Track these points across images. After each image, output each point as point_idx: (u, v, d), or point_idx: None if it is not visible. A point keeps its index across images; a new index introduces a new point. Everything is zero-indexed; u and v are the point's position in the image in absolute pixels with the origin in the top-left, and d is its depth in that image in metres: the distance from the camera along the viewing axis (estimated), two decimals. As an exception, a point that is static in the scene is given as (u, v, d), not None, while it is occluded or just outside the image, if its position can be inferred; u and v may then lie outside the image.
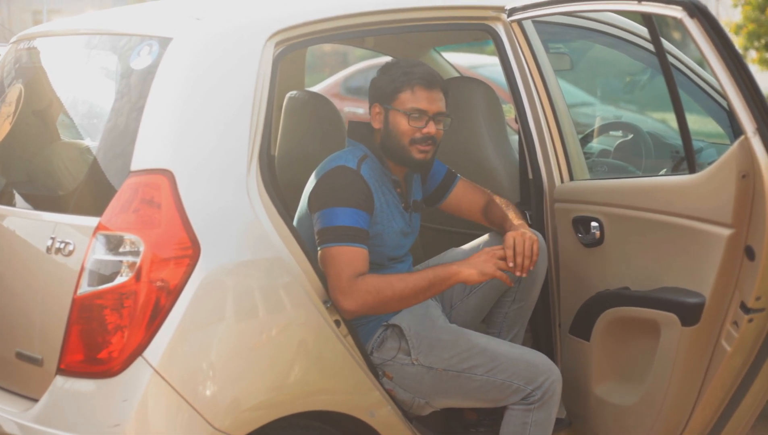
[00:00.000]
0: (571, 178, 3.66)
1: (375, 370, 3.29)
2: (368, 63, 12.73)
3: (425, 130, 3.36)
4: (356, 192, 3.27)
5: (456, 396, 3.39)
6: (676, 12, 3.06)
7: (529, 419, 3.35)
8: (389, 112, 3.39)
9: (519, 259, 3.31)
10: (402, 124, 3.36)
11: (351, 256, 3.18)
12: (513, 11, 3.66)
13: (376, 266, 3.30)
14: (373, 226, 3.32)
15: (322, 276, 3.12)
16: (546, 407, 3.35)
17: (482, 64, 11.94)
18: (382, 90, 3.41)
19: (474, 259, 3.26)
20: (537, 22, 3.78)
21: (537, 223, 3.66)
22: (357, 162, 3.35)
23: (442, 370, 3.34)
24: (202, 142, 2.96)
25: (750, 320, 3.07)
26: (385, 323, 3.40)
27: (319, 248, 3.21)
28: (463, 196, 3.71)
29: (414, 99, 3.36)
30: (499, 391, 3.34)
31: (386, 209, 3.39)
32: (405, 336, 3.36)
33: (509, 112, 4.61)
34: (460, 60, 11.47)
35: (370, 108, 3.47)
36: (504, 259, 3.29)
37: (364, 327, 3.37)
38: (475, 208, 3.69)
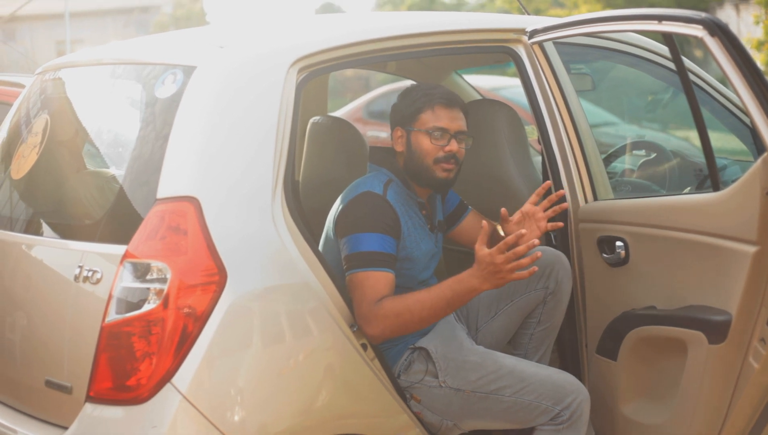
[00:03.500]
0: (595, 198, 3.66)
1: (402, 393, 3.29)
2: (390, 87, 12.77)
3: (447, 148, 3.39)
4: (383, 217, 3.28)
5: (484, 418, 3.38)
6: (696, 31, 3.06)
7: None
8: (411, 134, 3.41)
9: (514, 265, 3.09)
10: (425, 143, 3.39)
11: (375, 281, 3.19)
12: (534, 33, 3.67)
13: (406, 290, 3.28)
14: (401, 251, 3.33)
15: (348, 300, 3.13)
16: (574, 427, 3.34)
17: (504, 85, 11.96)
18: (402, 113, 3.44)
19: (480, 270, 3.10)
20: (558, 44, 3.79)
21: (562, 243, 3.66)
22: (383, 187, 3.37)
23: (470, 392, 3.33)
24: (227, 169, 2.98)
25: (777, 337, 3.06)
26: (412, 346, 3.41)
27: (346, 274, 3.22)
28: (472, 227, 3.72)
29: (435, 118, 3.39)
30: (527, 412, 3.33)
31: (414, 232, 3.40)
32: (432, 358, 3.37)
33: (531, 133, 4.61)
34: (482, 82, 11.48)
35: (391, 133, 3.49)
36: (502, 252, 3.07)
37: (390, 350, 3.38)
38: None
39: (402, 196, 3.41)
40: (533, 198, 3.45)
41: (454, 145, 3.40)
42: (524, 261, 3.04)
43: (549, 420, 3.33)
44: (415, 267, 3.40)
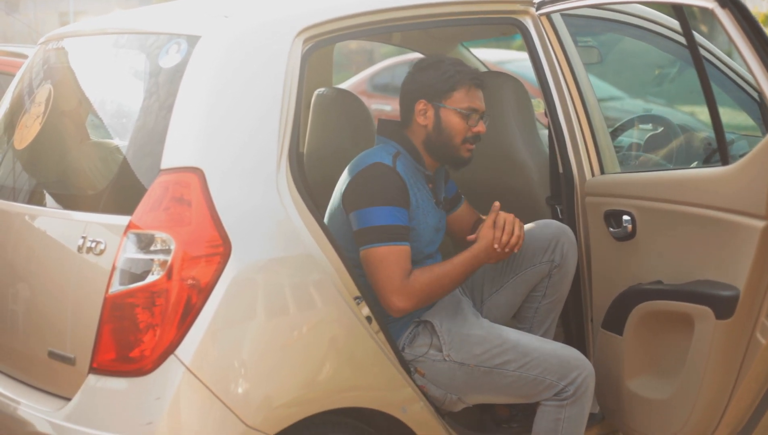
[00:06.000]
0: (602, 172, 3.64)
1: (407, 367, 3.28)
2: (394, 60, 12.71)
3: (476, 129, 3.42)
4: (394, 189, 3.27)
5: (488, 392, 3.38)
6: (707, 2, 3.03)
7: (562, 415, 3.33)
8: (440, 110, 3.40)
9: (498, 234, 3.33)
10: (456, 122, 3.40)
11: (398, 256, 3.20)
12: (542, 4, 3.64)
13: (411, 262, 3.29)
14: (410, 222, 3.32)
15: (353, 272, 3.11)
16: (579, 403, 3.33)
17: (509, 59, 11.90)
18: (432, 87, 3.41)
19: (482, 245, 3.34)
20: (565, 15, 3.76)
21: (568, 217, 3.65)
22: (392, 158, 3.35)
23: (474, 365, 3.32)
24: (232, 140, 2.96)
25: (785, 312, 3.04)
26: (417, 320, 3.40)
27: (361, 249, 3.21)
28: (463, 218, 3.72)
29: (469, 98, 3.41)
30: (532, 387, 3.33)
31: (422, 205, 3.39)
32: (437, 332, 3.36)
33: (538, 106, 4.59)
34: (487, 56, 11.43)
35: (409, 103, 3.45)
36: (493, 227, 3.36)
37: (395, 323, 3.37)
38: (468, 229, 3.70)
39: (410, 168, 3.40)
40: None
41: (482, 127, 3.44)
42: (512, 242, 3.32)
43: (553, 395, 3.32)
44: (422, 239, 3.38)
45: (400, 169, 3.33)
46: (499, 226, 3.32)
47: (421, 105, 3.42)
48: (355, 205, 3.27)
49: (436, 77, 3.41)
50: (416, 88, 3.44)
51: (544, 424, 3.36)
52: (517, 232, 3.33)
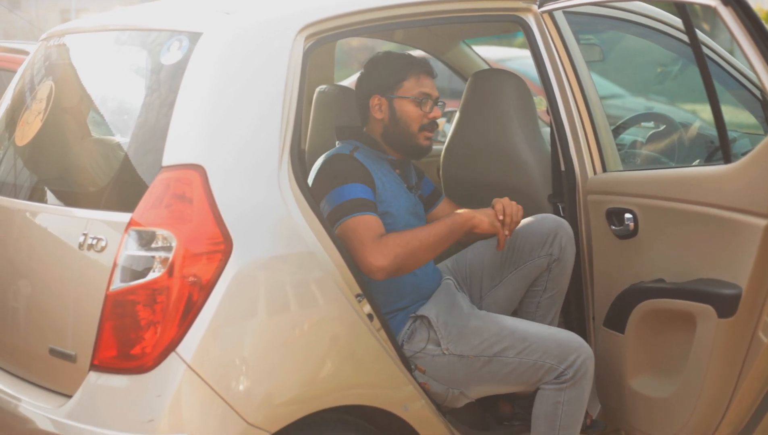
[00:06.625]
0: (604, 170, 3.63)
1: (408, 364, 3.28)
2: (396, 57, 12.71)
3: (432, 115, 3.53)
4: (353, 169, 3.38)
5: (490, 382, 3.38)
6: (709, 0, 3.02)
7: (561, 398, 3.33)
8: (394, 101, 3.53)
9: (506, 218, 3.40)
10: (410, 109, 3.52)
11: (367, 223, 3.24)
12: (544, 2, 3.63)
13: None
14: (380, 205, 3.38)
15: (355, 270, 3.10)
16: (578, 386, 3.33)
17: (511, 57, 11.89)
18: (383, 80, 3.55)
19: (487, 211, 3.40)
20: (568, 13, 3.75)
21: (570, 215, 3.64)
22: (349, 151, 3.47)
23: (474, 356, 3.33)
24: (234, 137, 2.95)
25: (788, 311, 3.04)
26: (413, 315, 3.41)
27: (334, 228, 3.23)
28: (445, 211, 3.73)
29: (420, 84, 3.53)
30: (533, 373, 3.33)
31: (389, 187, 3.45)
32: (433, 326, 3.37)
33: (539, 104, 4.58)
34: (489, 53, 11.42)
35: (364, 101, 3.59)
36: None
37: (392, 320, 3.38)
38: None
39: (371, 157, 3.50)
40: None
41: (438, 112, 3.54)
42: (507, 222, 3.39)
43: (553, 379, 3.32)
44: (397, 222, 3.41)
45: (358, 156, 3.44)
46: (499, 211, 3.41)
47: (375, 100, 3.55)
48: (322, 193, 3.33)
49: (385, 71, 3.56)
50: (368, 85, 3.59)
51: (544, 407, 3.36)
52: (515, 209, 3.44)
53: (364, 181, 3.35)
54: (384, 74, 3.56)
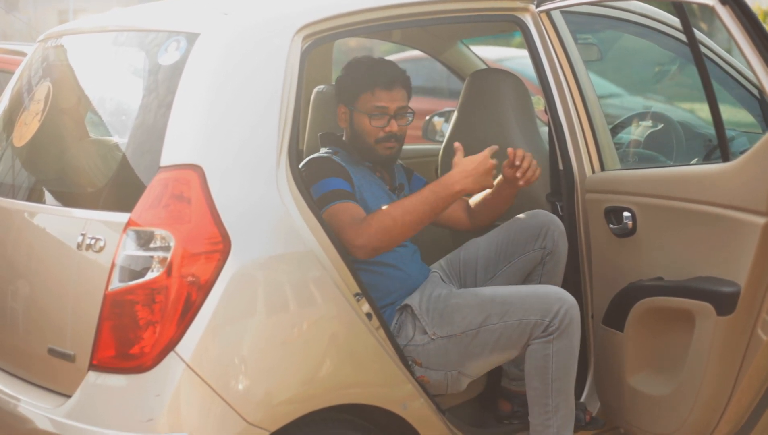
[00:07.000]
0: (603, 169, 3.64)
1: (407, 363, 3.28)
2: (393, 57, 12.72)
3: (387, 129, 3.53)
4: (331, 166, 3.45)
5: (482, 355, 3.39)
6: (707, -1, 3.03)
7: (550, 350, 3.33)
8: (353, 113, 3.56)
9: (524, 163, 3.41)
10: (365, 124, 3.53)
11: (346, 209, 3.30)
12: (541, 1, 3.63)
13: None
14: (360, 203, 3.41)
15: (353, 269, 3.11)
16: (566, 335, 3.33)
17: (508, 57, 11.89)
18: (346, 91, 3.59)
19: (468, 170, 3.31)
20: (565, 13, 3.75)
21: (568, 214, 3.65)
22: (329, 155, 3.54)
23: (461, 334, 3.36)
24: (232, 137, 2.96)
25: (786, 309, 3.04)
26: (399, 307, 3.47)
27: None
28: None
29: (375, 99, 3.53)
30: (520, 332, 3.34)
31: (368, 187, 3.50)
32: (416, 315, 3.42)
33: (537, 103, 4.58)
34: (487, 53, 11.43)
35: (335, 108, 3.65)
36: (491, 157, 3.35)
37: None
38: (457, 212, 3.76)
39: (350, 161, 3.55)
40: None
41: (394, 126, 3.54)
42: (524, 167, 3.39)
43: (541, 333, 3.33)
44: None
45: (337, 159, 3.50)
46: (518, 157, 3.42)
47: (340, 109, 3.62)
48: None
49: (348, 81, 3.60)
50: (336, 92, 3.65)
51: (534, 362, 3.36)
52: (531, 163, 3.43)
53: (340, 176, 3.40)
54: (346, 85, 3.60)
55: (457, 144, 3.38)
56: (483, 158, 3.32)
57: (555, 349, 3.33)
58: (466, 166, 3.32)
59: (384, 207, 3.31)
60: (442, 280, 3.63)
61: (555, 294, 3.37)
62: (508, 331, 3.34)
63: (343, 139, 3.67)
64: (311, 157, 3.55)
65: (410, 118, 3.59)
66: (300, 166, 3.46)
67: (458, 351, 3.37)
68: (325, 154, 3.53)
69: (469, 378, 3.44)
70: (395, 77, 3.57)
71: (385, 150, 3.56)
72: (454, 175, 3.31)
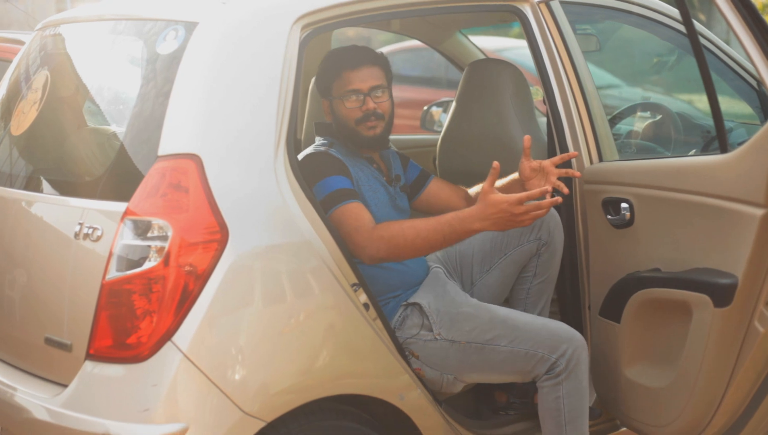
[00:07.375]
0: (601, 160, 3.63)
1: (404, 353, 3.28)
2: (392, 48, 12.69)
3: (364, 108, 3.45)
4: (331, 163, 3.39)
5: (482, 370, 3.39)
6: (706, -10, 3.02)
7: (560, 392, 3.34)
8: (333, 103, 3.52)
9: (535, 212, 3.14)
10: (342, 109, 3.49)
11: (354, 211, 3.25)
12: (540, -8, 3.63)
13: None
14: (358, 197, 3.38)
15: (350, 259, 3.11)
16: (574, 377, 3.33)
17: (507, 47, 11.87)
18: (320, 84, 3.57)
19: (490, 213, 3.10)
20: (564, 3, 3.75)
21: (566, 204, 3.64)
22: (325, 147, 3.49)
23: (465, 343, 3.34)
24: (230, 127, 2.95)
25: (784, 300, 3.04)
26: (405, 303, 3.44)
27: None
28: (439, 190, 3.76)
29: (345, 83, 3.47)
30: (525, 362, 3.34)
31: (365, 181, 3.46)
32: (425, 313, 3.40)
33: (536, 94, 4.58)
34: (485, 43, 11.41)
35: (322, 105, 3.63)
36: (522, 203, 3.10)
37: (384, 308, 3.38)
38: (456, 199, 3.73)
39: (346, 153, 3.50)
40: (557, 160, 3.46)
41: (370, 103, 3.46)
42: (544, 204, 3.09)
43: (546, 372, 3.33)
44: (376, 216, 3.38)
45: (333, 151, 3.46)
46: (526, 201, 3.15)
47: (324, 104, 3.58)
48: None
49: (321, 74, 3.57)
50: (317, 89, 3.62)
51: (546, 405, 3.37)
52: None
53: (341, 173, 3.36)
54: (320, 78, 3.58)
55: (496, 164, 3.13)
56: (509, 205, 3.08)
57: (565, 391, 3.34)
58: (490, 208, 3.11)
59: (399, 223, 3.25)
60: (447, 276, 3.61)
61: (565, 333, 3.37)
62: (512, 357, 3.34)
63: (334, 129, 3.63)
64: (308, 152, 3.50)
65: (387, 95, 3.50)
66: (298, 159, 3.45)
67: (458, 358, 3.37)
68: (321, 148, 3.49)
69: (464, 383, 3.44)
70: (361, 57, 3.51)
71: (368, 130, 3.47)
72: (475, 214, 3.13)
